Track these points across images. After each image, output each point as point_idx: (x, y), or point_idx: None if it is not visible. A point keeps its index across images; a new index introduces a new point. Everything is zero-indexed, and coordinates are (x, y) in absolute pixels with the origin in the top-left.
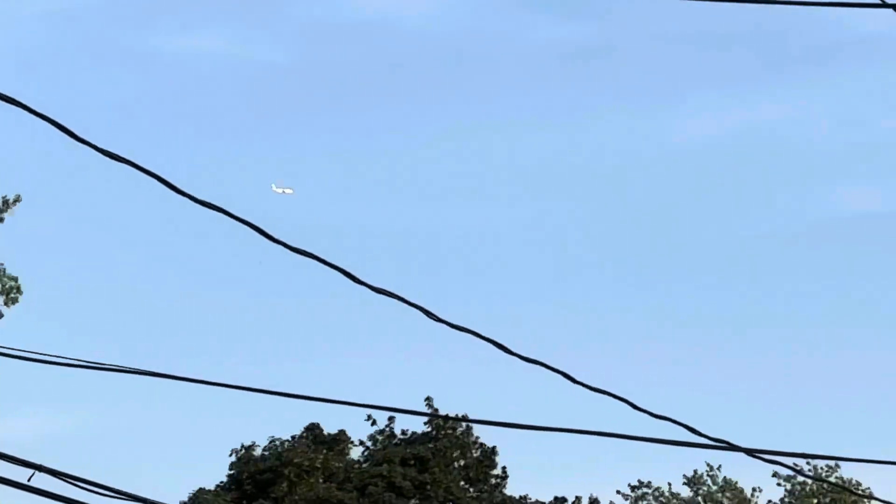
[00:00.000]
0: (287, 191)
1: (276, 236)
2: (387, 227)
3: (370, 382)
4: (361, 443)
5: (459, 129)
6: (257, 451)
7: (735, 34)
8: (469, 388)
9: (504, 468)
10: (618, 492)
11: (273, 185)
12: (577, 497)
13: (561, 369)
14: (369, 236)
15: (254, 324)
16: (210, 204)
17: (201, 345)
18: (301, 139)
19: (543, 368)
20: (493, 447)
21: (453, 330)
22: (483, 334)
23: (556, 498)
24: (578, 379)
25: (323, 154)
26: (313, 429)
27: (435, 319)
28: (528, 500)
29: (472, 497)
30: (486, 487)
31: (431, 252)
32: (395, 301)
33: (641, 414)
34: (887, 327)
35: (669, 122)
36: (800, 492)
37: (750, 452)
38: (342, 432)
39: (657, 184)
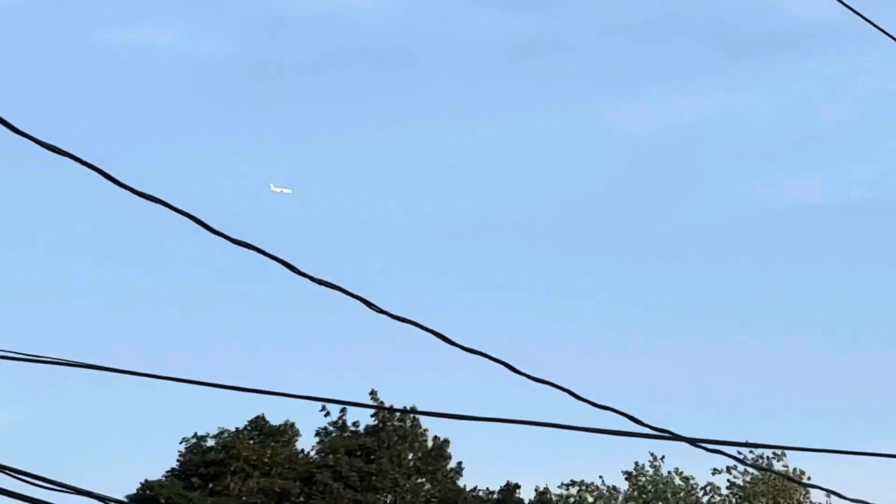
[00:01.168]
0: (285, 190)
1: (216, 228)
2: (329, 218)
3: (315, 374)
4: (318, 433)
5: (405, 121)
6: (205, 443)
7: (680, 26)
8: (412, 379)
9: (460, 462)
10: (560, 485)
11: (271, 185)
12: (509, 482)
13: (502, 359)
14: (312, 227)
15: (196, 315)
16: (150, 196)
17: (143, 337)
18: (245, 131)
19: (485, 359)
20: (445, 439)
21: (396, 321)
22: (424, 325)
23: (507, 483)
24: (520, 369)
25: (266, 146)
26: (258, 421)
27: (377, 311)
28: (478, 491)
29: (417, 487)
30: (438, 477)
31: (375, 243)
32: (338, 293)
33: (584, 404)
34: (828, 317)
35: (616, 114)
36: (742, 482)
37: (692, 442)
38: (287, 423)
39: (602, 175)
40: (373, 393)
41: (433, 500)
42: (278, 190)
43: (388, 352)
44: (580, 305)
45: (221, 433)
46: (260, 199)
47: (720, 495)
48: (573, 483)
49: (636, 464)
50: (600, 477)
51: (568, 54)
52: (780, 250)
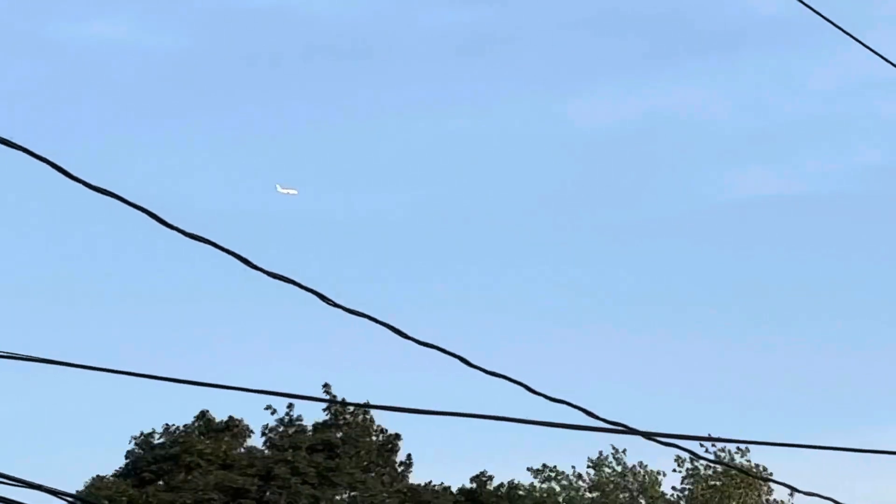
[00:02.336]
0: (291, 191)
1: (170, 222)
2: (283, 212)
3: (267, 368)
4: (269, 430)
5: (360, 115)
6: (154, 440)
7: (636, 21)
8: (367, 373)
9: (409, 455)
10: (528, 468)
11: (278, 186)
12: (483, 472)
13: (457, 353)
14: (266, 221)
15: (150, 309)
16: (104, 190)
17: (95, 331)
18: (200, 125)
19: (439, 352)
20: (396, 434)
21: (350, 315)
22: (379, 318)
23: (481, 474)
24: (474, 362)
25: (221, 139)
26: (204, 416)
27: (330, 304)
28: (431, 486)
29: (374, 482)
30: (388, 471)
31: (329, 237)
32: (292, 286)
33: (539, 398)
34: (787, 311)
35: (572, 108)
36: (696, 476)
37: (647, 435)
38: (233, 419)
39: (559, 169)
40: (326, 386)
41: (389, 495)
42: (285, 191)
43: (342, 346)
44: (536, 299)
45: (169, 429)
46: (215, 193)
47: (682, 491)
48: (544, 468)
49: (600, 453)
50: (573, 467)
51: (524, 48)
52: (736, 243)
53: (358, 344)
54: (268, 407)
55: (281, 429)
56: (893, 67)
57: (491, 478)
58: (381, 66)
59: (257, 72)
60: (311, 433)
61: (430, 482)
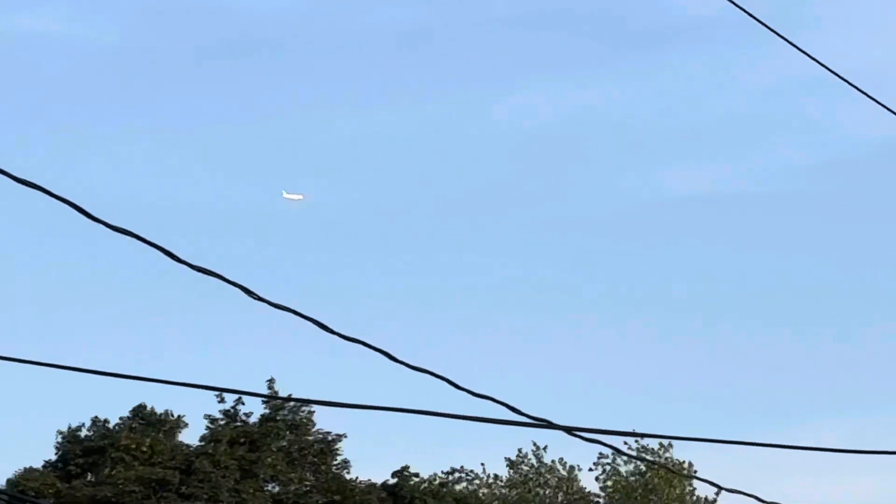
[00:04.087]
0: (297, 197)
1: (95, 215)
2: (211, 206)
3: (196, 362)
4: (214, 420)
5: (291, 110)
6: (84, 432)
7: (567, 18)
8: (292, 368)
9: (346, 460)
10: (441, 472)
11: (284, 192)
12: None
13: (382, 348)
14: (194, 215)
15: (75, 302)
16: (29, 182)
17: (24, 324)
18: (128, 119)
19: (365, 347)
20: (328, 431)
21: (275, 309)
22: (303, 313)
23: (403, 468)
24: (399, 358)
25: (151, 132)
26: (140, 410)
27: (255, 298)
28: (359, 482)
29: (301, 477)
30: (322, 469)
31: (257, 231)
32: (216, 280)
33: (463, 393)
34: (715, 307)
35: (502, 105)
36: (613, 472)
37: (569, 430)
38: (169, 413)
39: (488, 165)
40: (270, 381)
41: (315, 490)
42: (290, 197)
43: (267, 340)
44: (462, 295)
45: (99, 421)
46: (141, 187)
47: (603, 488)
48: (453, 471)
49: (519, 450)
50: (482, 465)
51: (454, 44)
52: (666, 241)
53: (283, 338)
54: (218, 395)
55: (223, 422)
56: (822, 67)
57: (415, 474)
58: (311, 61)
59: (186, 66)
60: (237, 427)
61: (357, 478)
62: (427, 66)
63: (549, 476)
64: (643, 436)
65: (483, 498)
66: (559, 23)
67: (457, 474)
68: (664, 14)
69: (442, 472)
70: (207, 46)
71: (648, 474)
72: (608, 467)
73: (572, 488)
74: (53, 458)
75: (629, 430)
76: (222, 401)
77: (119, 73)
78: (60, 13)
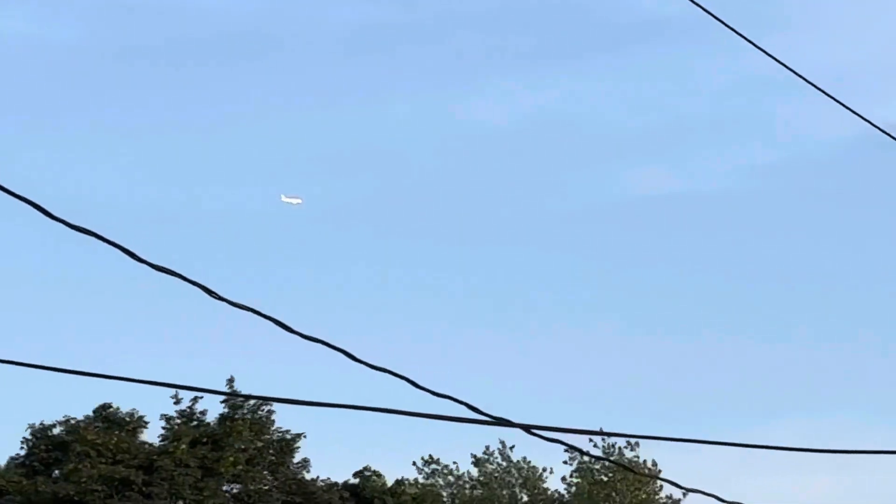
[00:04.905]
0: (295, 201)
1: (56, 214)
2: (170, 206)
3: (158, 361)
4: (169, 420)
5: (247, 110)
6: (51, 431)
7: (532, 16)
8: (253, 367)
9: (306, 459)
10: (413, 463)
11: (282, 196)
12: (367, 467)
13: (342, 347)
14: (152, 215)
15: (37, 302)
16: None
17: None
18: (88, 118)
19: (325, 347)
20: (288, 429)
21: (235, 308)
22: (264, 312)
23: (364, 468)
24: (359, 357)
25: (111, 132)
26: (104, 408)
27: (216, 297)
28: (320, 481)
29: (262, 476)
30: (281, 469)
31: (217, 231)
32: (177, 280)
33: (424, 393)
34: (679, 308)
35: (466, 104)
36: (584, 471)
37: (527, 429)
38: (133, 412)
39: (449, 166)
40: (230, 380)
41: (275, 490)
42: (288, 200)
43: (228, 339)
44: (422, 294)
45: (67, 420)
46: (102, 187)
47: (570, 486)
48: (430, 461)
49: (487, 447)
50: (454, 463)
51: (419, 44)
52: (631, 241)
53: (244, 338)
54: (174, 396)
55: (179, 421)
56: (785, 68)
57: (376, 473)
58: (272, 61)
59: (145, 65)
60: (197, 426)
61: (317, 477)
62: (390, 66)
63: (515, 474)
64: (604, 434)
65: (445, 498)
66: (524, 21)
67: (432, 466)
68: (626, 14)
69: (421, 460)
70: (163, 46)
71: (612, 475)
72: (580, 465)
73: (537, 488)
74: (18, 456)
75: (592, 428)
76: (178, 401)
77: (75, 71)
78: (16, 12)
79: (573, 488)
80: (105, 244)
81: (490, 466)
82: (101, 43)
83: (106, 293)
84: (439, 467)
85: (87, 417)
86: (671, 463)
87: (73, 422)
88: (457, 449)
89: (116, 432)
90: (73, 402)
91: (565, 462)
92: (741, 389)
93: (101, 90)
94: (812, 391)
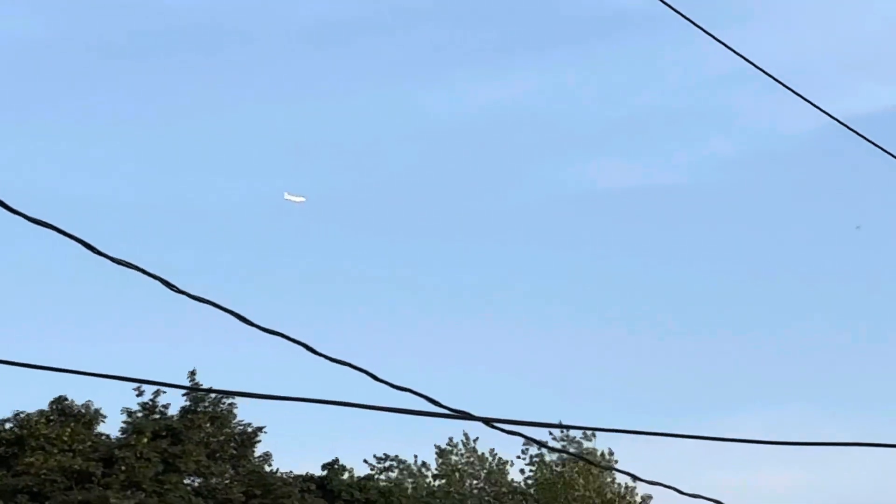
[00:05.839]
0: (298, 199)
1: (14, 207)
2: (130, 199)
3: (119, 354)
4: (132, 413)
5: (209, 103)
6: (4, 426)
7: (495, 9)
8: (213, 360)
9: (268, 453)
10: (364, 461)
11: (286, 194)
12: (335, 460)
13: (301, 340)
14: (111, 208)
15: None
16: None
17: None
18: (48, 112)
19: (285, 340)
20: (249, 423)
21: (195, 301)
22: (223, 305)
23: (333, 461)
24: (319, 350)
25: (71, 126)
26: (60, 401)
27: (175, 290)
28: (282, 475)
29: (223, 470)
30: (242, 462)
31: (174, 225)
32: (136, 272)
33: (384, 385)
34: (640, 300)
35: (427, 97)
36: (541, 463)
37: (487, 422)
38: (89, 405)
39: (410, 158)
40: (192, 373)
41: (237, 483)
42: (292, 198)
43: (188, 333)
44: (384, 287)
45: (17, 415)
46: (61, 180)
47: (527, 479)
48: (386, 457)
49: (450, 439)
50: (415, 456)
51: (379, 37)
52: (593, 233)
53: (204, 331)
54: (136, 388)
55: (140, 414)
56: (746, 62)
57: (343, 467)
58: (235, 55)
59: (107, 59)
60: (159, 419)
61: (278, 470)
62: (351, 60)
63: (478, 467)
64: (563, 427)
65: (409, 491)
66: (486, 14)
67: (388, 462)
68: (589, 7)
69: (374, 458)
70: (125, 40)
71: (568, 466)
72: (535, 458)
73: (500, 480)
74: None
75: (551, 421)
76: (140, 393)
77: (37, 66)
78: None
79: (531, 480)
80: (64, 237)
81: (454, 458)
82: (57, 37)
83: (65, 287)
84: (395, 463)
85: (41, 411)
86: (632, 454)
87: (22, 415)
88: (420, 440)
89: (72, 425)
90: (29, 397)
91: (518, 456)
92: (704, 381)
93: (55, 84)
94: (772, 383)
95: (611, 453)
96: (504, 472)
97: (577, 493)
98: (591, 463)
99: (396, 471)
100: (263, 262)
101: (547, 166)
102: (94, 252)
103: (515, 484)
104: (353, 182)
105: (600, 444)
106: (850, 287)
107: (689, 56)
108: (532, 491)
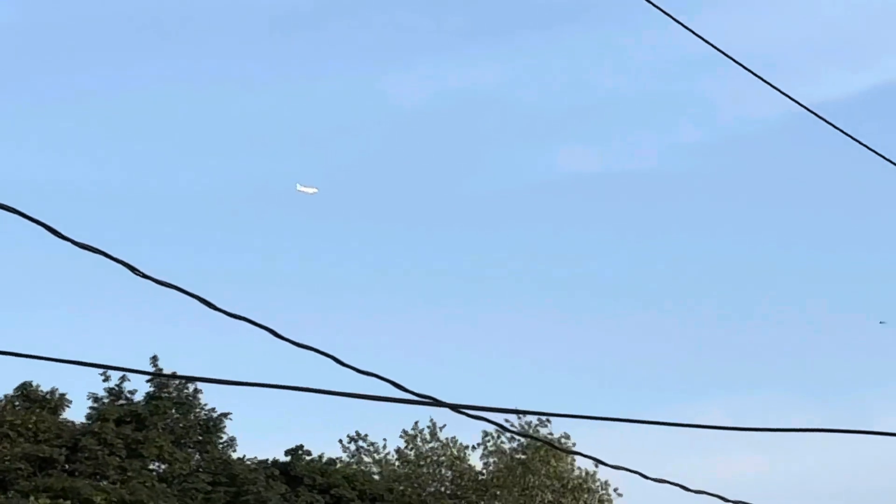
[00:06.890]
0: (310, 190)
1: None
2: (95, 184)
3: (81, 339)
4: (98, 399)
5: (172, 89)
6: None
7: None
8: (178, 345)
9: (233, 438)
10: (339, 441)
11: (298, 185)
12: (300, 446)
13: (266, 325)
14: (76, 193)
15: None
16: None
17: None
18: (9, 96)
19: (250, 325)
20: (213, 408)
21: (159, 286)
22: (188, 290)
23: (297, 447)
24: (283, 335)
25: (38, 110)
26: (25, 387)
27: (140, 275)
28: (247, 461)
29: (188, 456)
30: (208, 448)
31: (140, 210)
32: (100, 257)
33: (349, 371)
34: (605, 288)
35: (389, 83)
36: (499, 450)
37: (454, 408)
38: (54, 391)
39: (374, 144)
40: (154, 358)
41: (202, 469)
42: (304, 190)
43: (152, 318)
44: (345, 272)
45: None
46: (23, 164)
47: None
48: (357, 437)
49: (416, 423)
50: (384, 439)
51: (342, 23)
52: (556, 220)
53: (169, 316)
54: (103, 374)
55: (105, 399)
56: (713, 48)
57: (306, 452)
58: (197, 41)
59: (81, 43)
60: (123, 405)
61: (244, 456)
62: (315, 46)
63: (441, 454)
64: (529, 413)
65: (373, 476)
66: (450, 1)
67: (359, 443)
68: None
69: (347, 437)
70: (83, 24)
71: (528, 454)
72: (492, 445)
73: (461, 466)
74: None
75: (516, 407)
76: (107, 379)
77: (12, 51)
78: None
79: (490, 466)
80: (28, 221)
81: (420, 444)
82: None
83: (29, 271)
84: (366, 444)
85: (5, 397)
86: (594, 442)
87: None
88: (386, 424)
89: (37, 411)
90: None
91: (477, 444)
92: (668, 367)
93: (13, 68)
94: (741, 370)
95: (567, 437)
96: (465, 459)
97: (535, 481)
98: (557, 449)
99: (365, 454)
100: (227, 248)
101: (513, 152)
102: (58, 236)
103: (477, 471)
104: (316, 167)
105: (556, 429)
106: (815, 275)
107: (657, 42)
108: (492, 479)
